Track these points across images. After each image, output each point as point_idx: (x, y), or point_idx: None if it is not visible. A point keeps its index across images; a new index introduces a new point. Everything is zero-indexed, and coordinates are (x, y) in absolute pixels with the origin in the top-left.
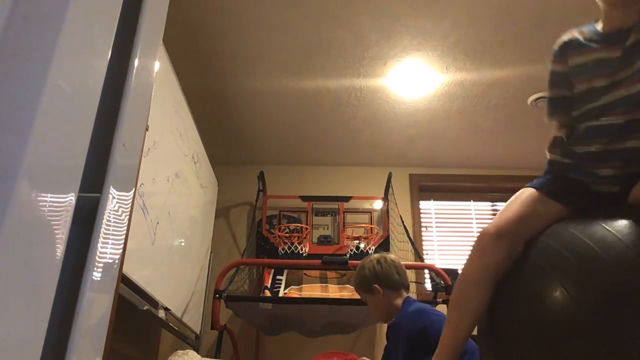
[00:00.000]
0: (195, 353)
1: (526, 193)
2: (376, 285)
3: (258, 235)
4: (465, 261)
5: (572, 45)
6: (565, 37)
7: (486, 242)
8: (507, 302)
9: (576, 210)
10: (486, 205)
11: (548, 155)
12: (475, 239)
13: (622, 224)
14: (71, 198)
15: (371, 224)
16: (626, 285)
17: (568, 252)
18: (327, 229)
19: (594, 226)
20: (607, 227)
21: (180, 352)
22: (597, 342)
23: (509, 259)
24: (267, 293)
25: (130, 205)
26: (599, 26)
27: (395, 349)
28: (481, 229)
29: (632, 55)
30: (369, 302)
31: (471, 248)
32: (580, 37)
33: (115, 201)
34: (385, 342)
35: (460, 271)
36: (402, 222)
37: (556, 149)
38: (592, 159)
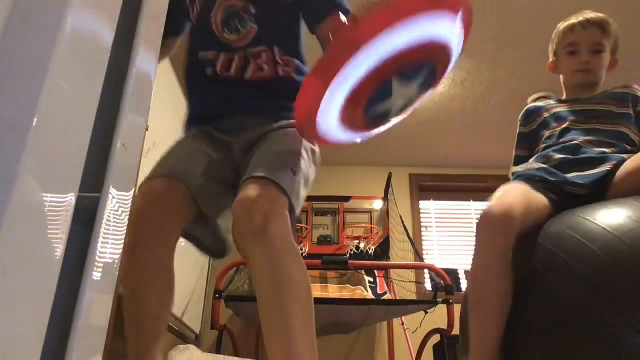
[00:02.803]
0: (196, 348)
1: (520, 185)
2: None
3: None
4: (472, 257)
5: (534, 109)
6: (530, 105)
7: (496, 223)
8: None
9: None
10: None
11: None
12: (478, 224)
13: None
14: (71, 198)
15: (371, 224)
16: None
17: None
18: (327, 229)
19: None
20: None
21: (181, 347)
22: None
23: (512, 247)
24: None
25: (130, 205)
26: (561, 97)
27: None
28: (481, 212)
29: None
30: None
31: (476, 238)
32: (544, 102)
33: (115, 201)
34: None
35: (469, 269)
36: (402, 222)
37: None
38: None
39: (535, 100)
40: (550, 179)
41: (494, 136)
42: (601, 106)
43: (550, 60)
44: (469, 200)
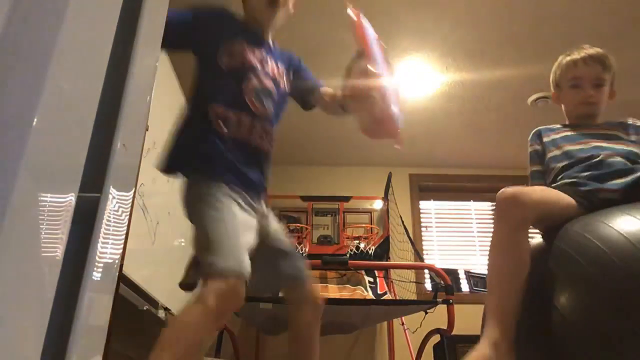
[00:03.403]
0: None
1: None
2: None
3: None
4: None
5: (543, 130)
6: (537, 128)
7: (506, 198)
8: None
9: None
10: (486, 205)
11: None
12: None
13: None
14: (71, 198)
15: (371, 224)
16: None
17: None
18: (327, 229)
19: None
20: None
21: None
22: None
23: (528, 225)
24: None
25: (130, 205)
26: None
27: None
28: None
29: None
30: None
31: (493, 219)
32: (550, 126)
33: (115, 201)
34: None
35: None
36: (402, 222)
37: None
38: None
39: (536, 100)
40: (585, 188)
41: (493, 136)
42: (608, 131)
43: (552, 91)
44: (468, 200)
